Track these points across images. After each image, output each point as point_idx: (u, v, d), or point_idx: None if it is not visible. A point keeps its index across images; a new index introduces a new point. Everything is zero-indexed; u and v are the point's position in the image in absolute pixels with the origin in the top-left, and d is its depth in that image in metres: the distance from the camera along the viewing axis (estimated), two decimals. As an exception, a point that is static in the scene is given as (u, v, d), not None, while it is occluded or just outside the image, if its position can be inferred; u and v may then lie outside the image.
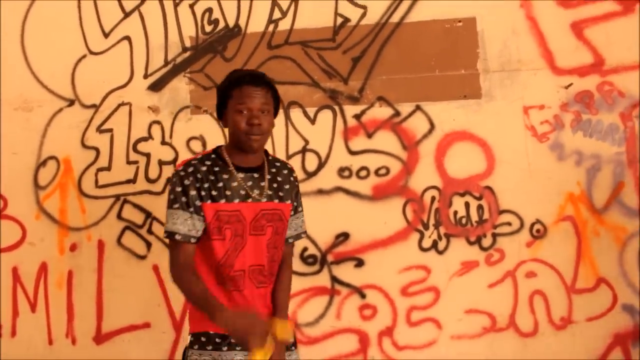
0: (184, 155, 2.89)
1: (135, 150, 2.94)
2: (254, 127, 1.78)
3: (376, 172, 2.84)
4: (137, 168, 2.94)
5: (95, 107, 2.98)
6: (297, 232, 2.02)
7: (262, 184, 1.86)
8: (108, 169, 2.95)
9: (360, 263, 2.81)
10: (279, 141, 2.87)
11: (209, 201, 1.80)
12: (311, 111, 2.88)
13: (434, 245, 2.81)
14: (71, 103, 2.99)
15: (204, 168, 1.83)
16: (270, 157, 1.96)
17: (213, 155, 1.88)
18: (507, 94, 2.82)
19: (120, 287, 2.90)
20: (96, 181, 2.95)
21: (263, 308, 1.87)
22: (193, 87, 2.94)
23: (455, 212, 2.81)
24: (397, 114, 2.85)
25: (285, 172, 1.96)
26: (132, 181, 2.93)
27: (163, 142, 2.93)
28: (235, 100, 1.82)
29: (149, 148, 2.94)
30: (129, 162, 2.94)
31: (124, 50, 2.99)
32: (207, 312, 1.68)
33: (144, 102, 2.95)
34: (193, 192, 1.79)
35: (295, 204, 1.97)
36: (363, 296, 2.81)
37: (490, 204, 2.80)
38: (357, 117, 2.86)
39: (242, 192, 1.83)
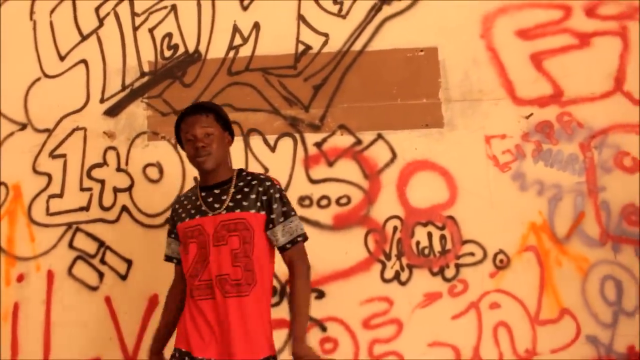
0: (140, 182, 2.87)
1: (89, 176, 2.89)
2: (199, 150, 1.99)
3: (337, 201, 2.81)
4: (91, 195, 2.87)
5: (49, 132, 2.93)
6: (292, 236, 2.02)
7: (224, 197, 2.01)
8: (60, 195, 2.88)
9: (320, 294, 2.75)
10: (237, 165, 2.79)
11: (179, 222, 2.08)
12: (271, 139, 2.85)
13: (397, 276, 2.76)
14: (23, 127, 2.94)
15: (183, 198, 2.15)
16: (244, 173, 2.10)
17: (195, 185, 2.17)
18: (469, 124, 2.84)
19: (69, 320, 2.80)
20: (47, 208, 2.88)
21: (237, 319, 1.91)
22: (151, 113, 2.90)
23: (418, 242, 2.79)
24: (359, 142, 2.84)
25: (254, 182, 2.04)
26: (85, 209, 2.86)
27: (118, 169, 2.88)
28: (183, 132, 2.07)
29: (104, 174, 2.88)
30: (82, 189, 2.88)
31: (80, 73, 2.96)
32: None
33: (100, 127, 2.91)
34: (171, 221, 2.17)
35: (272, 215, 2.01)
36: (324, 329, 2.75)
37: (453, 233, 2.79)
38: (318, 145, 2.85)
39: (203, 208, 2.02)
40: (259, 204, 2.00)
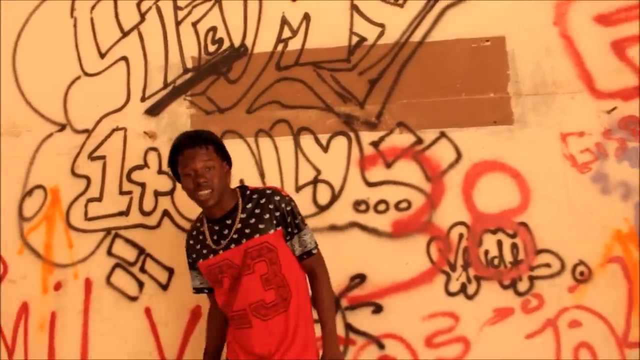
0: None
1: (129, 179, 2.76)
2: (201, 185, 1.93)
3: (396, 206, 2.59)
4: (131, 199, 2.75)
5: (88, 133, 2.83)
6: (306, 249, 2.03)
7: (238, 226, 1.98)
8: (99, 199, 2.77)
9: (378, 309, 2.54)
10: (288, 171, 2.64)
11: (200, 260, 2.05)
12: (324, 138, 2.66)
13: (463, 289, 2.53)
14: (62, 128, 2.86)
15: (195, 232, 2.11)
16: (248, 192, 2.05)
17: (201, 214, 2.12)
18: (542, 120, 2.58)
19: (107, 332, 2.68)
20: (86, 213, 2.78)
21: (282, 334, 1.93)
22: (194, 111, 2.76)
23: (487, 252, 2.54)
24: (420, 141, 2.62)
25: (263, 201, 2.01)
26: (125, 213, 2.74)
27: (160, 171, 2.74)
28: (181, 166, 2.00)
29: (144, 177, 2.75)
30: (122, 193, 2.76)
31: (120, 71, 2.85)
32: None
33: (140, 127, 2.79)
34: (189, 259, 2.13)
35: (288, 228, 2.01)
36: (382, 347, 2.53)
37: (525, 242, 2.53)
38: (375, 144, 2.64)
39: (224, 242, 1.98)
40: (275, 221, 1.99)
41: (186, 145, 1.96)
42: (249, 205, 2.00)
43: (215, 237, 2.00)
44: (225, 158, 2.04)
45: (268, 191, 2.03)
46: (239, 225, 1.97)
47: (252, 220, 1.97)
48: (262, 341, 1.94)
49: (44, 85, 2.85)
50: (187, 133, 2.05)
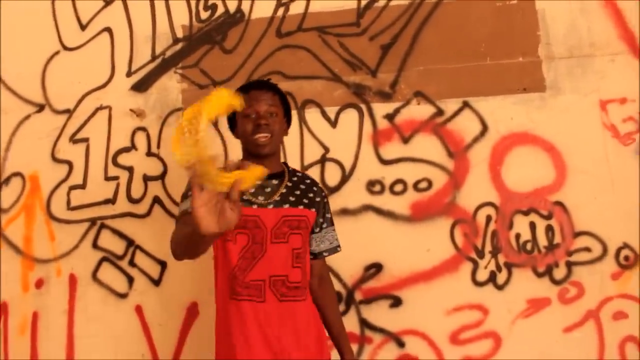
0: (174, 169, 2.47)
1: (115, 163, 2.52)
2: (262, 127, 1.77)
3: (415, 186, 2.33)
4: (118, 185, 2.51)
5: (69, 113, 2.59)
6: (332, 245, 1.94)
7: (283, 190, 1.82)
8: (82, 186, 2.53)
9: (396, 302, 2.29)
10: (292, 149, 2.39)
11: None
12: (332, 111, 2.41)
13: (492, 278, 2.28)
14: (41, 108, 2.61)
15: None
16: (290, 169, 1.93)
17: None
18: (579, 86, 2.32)
19: (95, 333, 2.45)
20: (68, 202, 2.53)
21: (291, 328, 1.74)
22: (185, 86, 2.52)
23: (518, 236, 2.29)
24: (440, 112, 2.36)
25: (308, 181, 1.91)
26: (111, 201, 2.50)
27: (149, 153, 2.50)
28: (244, 106, 1.63)
29: (132, 160, 2.51)
30: (107, 178, 2.52)
31: (103, 44, 2.61)
32: (186, 233, 1.49)
33: (127, 105, 2.54)
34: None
35: (321, 219, 1.90)
36: (401, 345, 2.28)
37: (562, 224, 2.28)
38: (390, 117, 2.38)
39: (261, 198, 1.79)
40: (315, 204, 1.87)
41: (254, 86, 1.84)
42: (295, 178, 1.88)
43: (253, 190, 1.79)
44: (287, 116, 1.91)
45: (311, 177, 1.94)
46: (284, 190, 1.81)
47: (298, 192, 1.84)
48: (270, 322, 1.71)
49: (19, 61, 2.61)
50: (258, 79, 1.94)
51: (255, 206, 1.77)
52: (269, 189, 1.80)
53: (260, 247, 1.75)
